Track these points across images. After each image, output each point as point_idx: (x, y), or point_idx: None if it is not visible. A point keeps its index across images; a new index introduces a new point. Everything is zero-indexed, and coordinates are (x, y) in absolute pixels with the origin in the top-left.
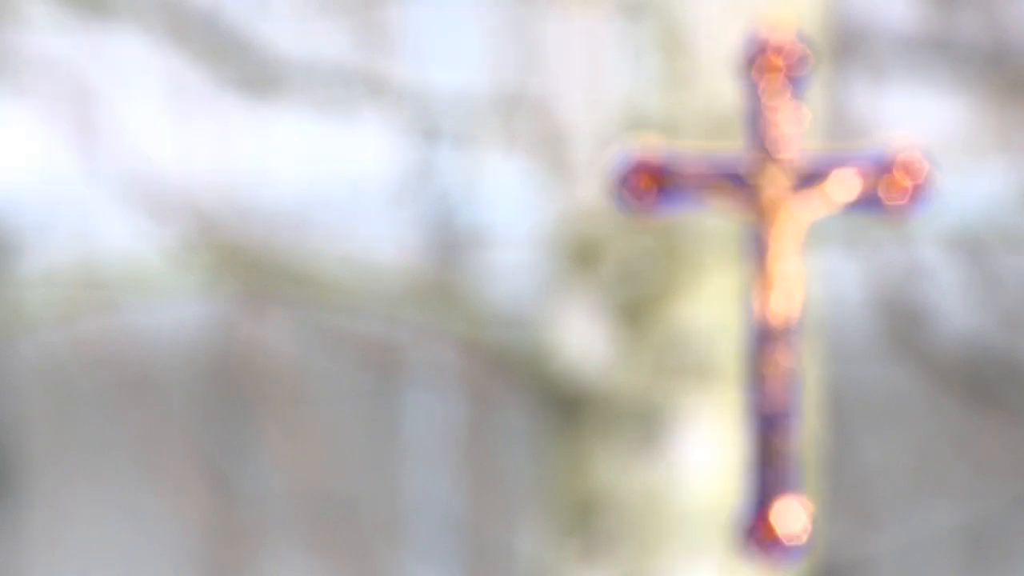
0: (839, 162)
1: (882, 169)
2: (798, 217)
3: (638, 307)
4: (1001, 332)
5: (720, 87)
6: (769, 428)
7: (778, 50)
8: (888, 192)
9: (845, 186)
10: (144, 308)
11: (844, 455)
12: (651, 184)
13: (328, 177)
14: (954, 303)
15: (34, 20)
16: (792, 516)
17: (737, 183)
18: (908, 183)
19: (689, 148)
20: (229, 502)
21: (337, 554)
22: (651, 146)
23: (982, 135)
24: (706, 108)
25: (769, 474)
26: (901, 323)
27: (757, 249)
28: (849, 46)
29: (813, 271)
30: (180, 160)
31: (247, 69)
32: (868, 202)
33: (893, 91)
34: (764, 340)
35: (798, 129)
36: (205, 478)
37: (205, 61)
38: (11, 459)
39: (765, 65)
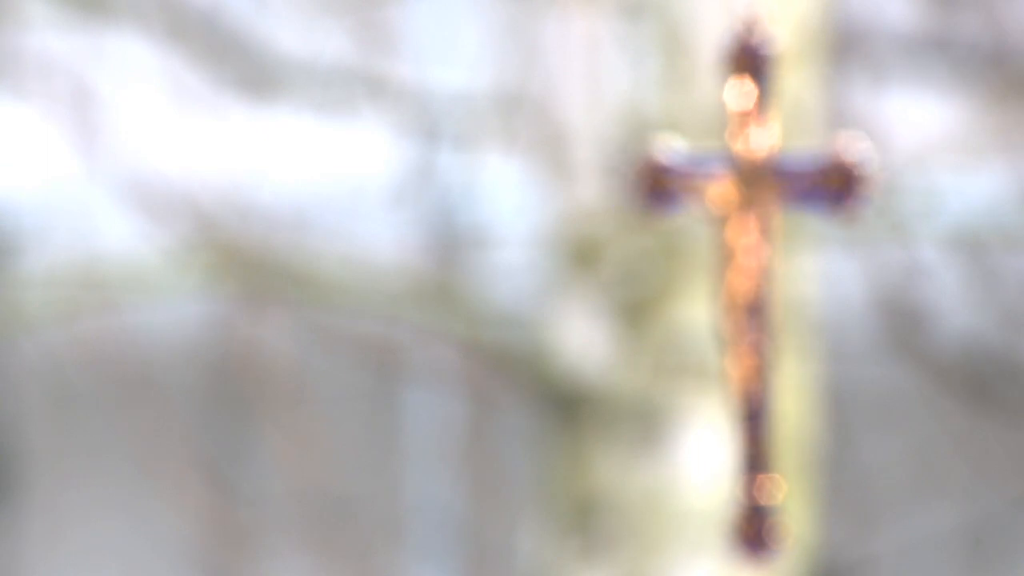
0: (796, 161)
1: (828, 168)
2: (766, 216)
3: (638, 307)
4: (1001, 332)
5: (720, 87)
6: (748, 426)
7: (747, 48)
8: (832, 191)
9: (797, 185)
10: (144, 308)
11: (844, 455)
12: (664, 185)
13: (328, 177)
14: (954, 303)
15: (34, 20)
16: (766, 510)
17: (711, 181)
18: (851, 183)
19: (685, 146)
20: (229, 502)
21: (337, 554)
22: (664, 145)
23: (982, 135)
24: (706, 108)
25: (750, 472)
26: (901, 323)
27: (726, 248)
28: (849, 46)
29: (813, 271)
30: (180, 160)
31: (247, 69)
32: (817, 201)
33: (893, 91)
34: (734, 340)
35: (767, 127)
36: (205, 478)
37: (205, 61)
38: (11, 459)
39: (736, 63)
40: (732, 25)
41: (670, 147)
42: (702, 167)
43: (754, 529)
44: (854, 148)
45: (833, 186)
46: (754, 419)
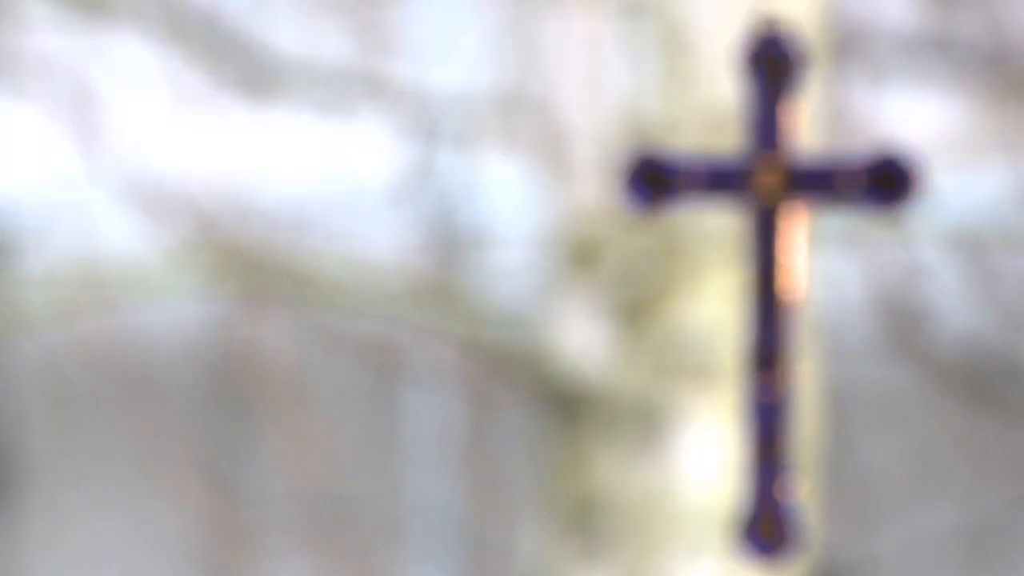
0: (834, 161)
1: (875, 168)
2: (796, 215)
3: (638, 307)
4: (1001, 332)
5: (720, 87)
6: (767, 425)
7: (775, 48)
8: (880, 191)
9: (839, 185)
10: (144, 308)
11: (844, 455)
12: (656, 184)
13: (328, 177)
14: (954, 303)
15: (34, 20)
16: (788, 509)
17: (736, 181)
18: (900, 183)
19: (690, 147)
20: (229, 502)
21: (337, 554)
22: (655, 146)
23: (982, 135)
24: (706, 108)
25: (767, 471)
26: (901, 323)
27: (756, 247)
28: (849, 46)
29: (813, 271)
30: (180, 160)
31: (247, 69)
32: (861, 200)
33: (893, 91)
34: (764, 336)
35: (795, 127)
36: (205, 478)
37: (205, 61)
38: (11, 459)
39: (762, 63)
40: (759, 25)
41: (681, 150)
42: (725, 167)
43: (769, 527)
44: (903, 148)
45: (884, 184)
46: (773, 414)
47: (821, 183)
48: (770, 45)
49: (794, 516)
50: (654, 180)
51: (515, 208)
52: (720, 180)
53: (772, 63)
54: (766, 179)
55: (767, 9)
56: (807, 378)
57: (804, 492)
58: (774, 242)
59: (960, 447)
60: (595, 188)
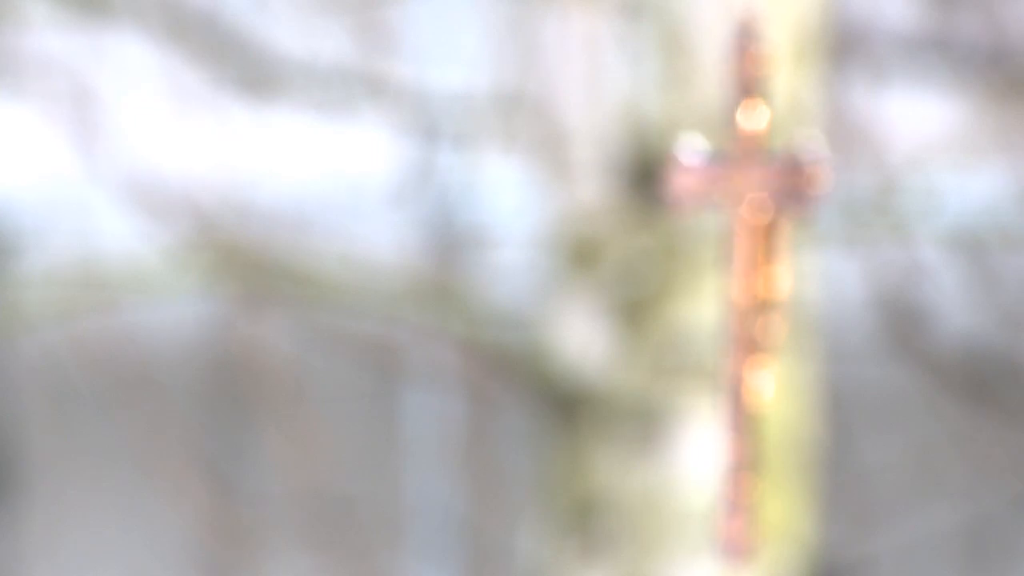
0: (767, 158)
1: (788, 168)
2: (769, 215)
3: (638, 307)
4: (1001, 332)
5: (719, 87)
6: (738, 426)
7: (744, 48)
8: (791, 191)
9: (768, 181)
10: (144, 308)
11: (844, 455)
12: (695, 184)
13: (328, 177)
14: (954, 303)
15: (34, 20)
16: (747, 510)
17: (713, 181)
18: (805, 183)
19: (690, 145)
20: (229, 502)
21: (337, 554)
22: (692, 146)
23: (982, 135)
24: (706, 108)
25: (733, 472)
26: (901, 323)
27: (732, 247)
28: (849, 46)
29: (813, 271)
30: (180, 160)
31: (247, 69)
32: (782, 198)
33: (893, 91)
34: (739, 338)
35: (760, 124)
36: (205, 478)
37: (205, 61)
38: (11, 459)
39: (733, 63)
40: (734, 26)
41: (694, 147)
42: (718, 165)
43: (732, 527)
44: (808, 147)
45: (787, 185)
46: (743, 418)
47: (786, 183)
48: (740, 45)
49: (751, 517)
50: (695, 181)
51: (515, 208)
52: (698, 180)
53: (742, 63)
54: (740, 179)
55: (766, 9)
56: (807, 378)
57: (760, 494)
58: (751, 242)
59: (960, 447)
60: (595, 188)
